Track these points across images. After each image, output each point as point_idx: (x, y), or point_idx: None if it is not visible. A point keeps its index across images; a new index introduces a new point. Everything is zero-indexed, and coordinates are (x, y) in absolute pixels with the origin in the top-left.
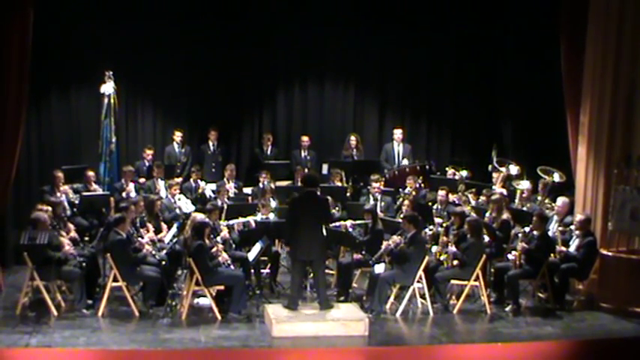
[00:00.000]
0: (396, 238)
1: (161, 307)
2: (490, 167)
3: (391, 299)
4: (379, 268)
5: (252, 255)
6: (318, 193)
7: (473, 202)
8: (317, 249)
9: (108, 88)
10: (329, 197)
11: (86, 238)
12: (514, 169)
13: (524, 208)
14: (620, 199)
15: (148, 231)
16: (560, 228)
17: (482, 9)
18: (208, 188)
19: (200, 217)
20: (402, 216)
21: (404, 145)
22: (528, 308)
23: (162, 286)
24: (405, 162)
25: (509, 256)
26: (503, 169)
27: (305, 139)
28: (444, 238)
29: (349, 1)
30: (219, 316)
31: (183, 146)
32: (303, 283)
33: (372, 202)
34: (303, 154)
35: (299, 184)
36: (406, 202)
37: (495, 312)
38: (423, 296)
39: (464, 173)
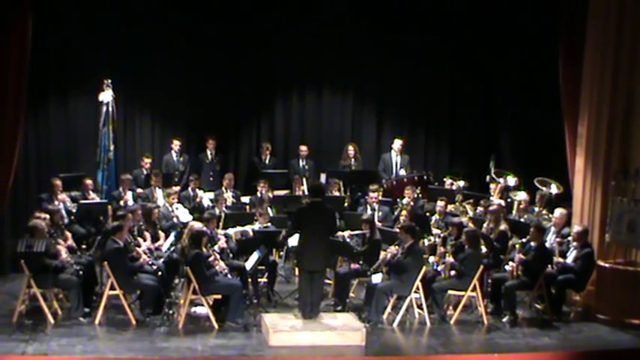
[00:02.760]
0: (393, 249)
1: (158, 316)
2: (488, 178)
3: (388, 309)
4: (376, 278)
5: (249, 264)
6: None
7: (470, 213)
8: (321, 259)
9: (106, 96)
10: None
11: (83, 246)
12: (512, 181)
13: (522, 220)
14: (617, 211)
15: (145, 239)
16: (558, 239)
17: (481, 20)
18: (206, 197)
19: (198, 225)
20: (399, 226)
21: (402, 155)
22: (525, 319)
23: (160, 295)
24: (403, 172)
25: (507, 267)
26: (500, 180)
27: (303, 148)
28: (442, 249)
29: (348, 11)
30: (216, 325)
31: (181, 155)
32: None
33: (369, 212)
34: (301, 163)
35: (297, 193)
36: (404, 212)
37: (492, 323)
38: (420, 306)
39: (461, 183)
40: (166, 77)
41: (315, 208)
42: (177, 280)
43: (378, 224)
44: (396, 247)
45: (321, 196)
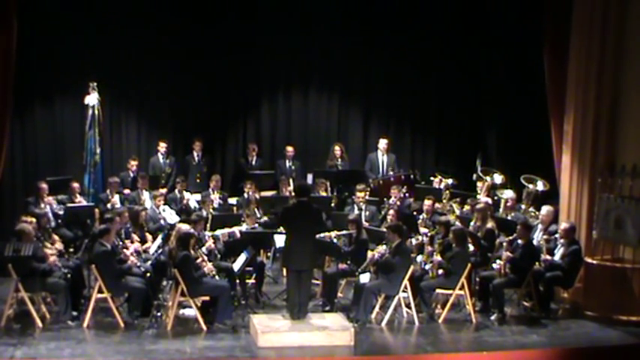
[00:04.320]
0: (381, 249)
1: (146, 318)
2: (474, 176)
3: (376, 309)
4: (364, 278)
5: (237, 265)
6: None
7: (457, 212)
8: (307, 259)
9: (92, 99)
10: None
11: (71, 250)
12: (498, 178)
13: (509, 217)
14: (604, 208)
15: (132, 242)
16: (545, 236)
17: (466, 19)
18: (193, 199)
19: (185, 227)
20: (386, 226)
21: (388, 154)
22: (514, 317)
23: (148, 297)
24: (390, 171)
25: (494, 265)
26: (487, 178)
27: (289, 149)
28: (429, 248)
29: (334, 11)
30: (204, 327)
31: (167, 157)
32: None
33: (356, 211)
34: (287, 164)
35: (284, 194)
36: (391, 211)
37: (481, 321)
38: (408, 305)
39: (450, 181)
40: (152, 79)
41: (301, 208)
42: (165, 282)
43: (365, 224)
44: (384, 246)
45: (307, 195)
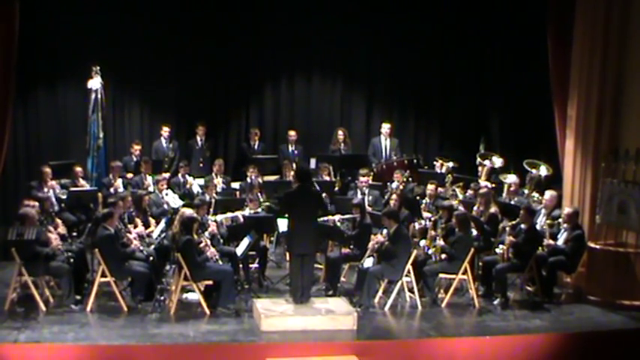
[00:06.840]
0: (380, 238)
1: (149, 302)
2: (477, 161)
3: (380, 293)
4: (367, 263)
5: (240, 250)
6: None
7: (460, 196)
8: (310, 243)
9: (95, 83)
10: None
11: (74, 234)
12: (498, 161)
13: (512, 202)
14: (607, 192)
15: (136, 226)
16: (548, 221)
17: (470, 3)
18: (196, 183)
19: (188, 212)
20: (382, 212)
21: (391, 139)
22: (516, 301)
23: (151, 281)
24: (392, 156)
25: (497, 250)
26: (486, 162)
27: (292, 133)
28: (433, 232)
29: None
30: (207, 311)
31: (170, 141)
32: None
33: (359, 196)
34: (290, 148)
35: (287, 178)
36: (394, 196)
37: (483, 305)
38: (411, 290)
39: (450, 164)
40: (155, 64)
41: (303, 192)
42: (168, 267)
43: (369, 208)
44: (382, 235)
45: (308, 179)
